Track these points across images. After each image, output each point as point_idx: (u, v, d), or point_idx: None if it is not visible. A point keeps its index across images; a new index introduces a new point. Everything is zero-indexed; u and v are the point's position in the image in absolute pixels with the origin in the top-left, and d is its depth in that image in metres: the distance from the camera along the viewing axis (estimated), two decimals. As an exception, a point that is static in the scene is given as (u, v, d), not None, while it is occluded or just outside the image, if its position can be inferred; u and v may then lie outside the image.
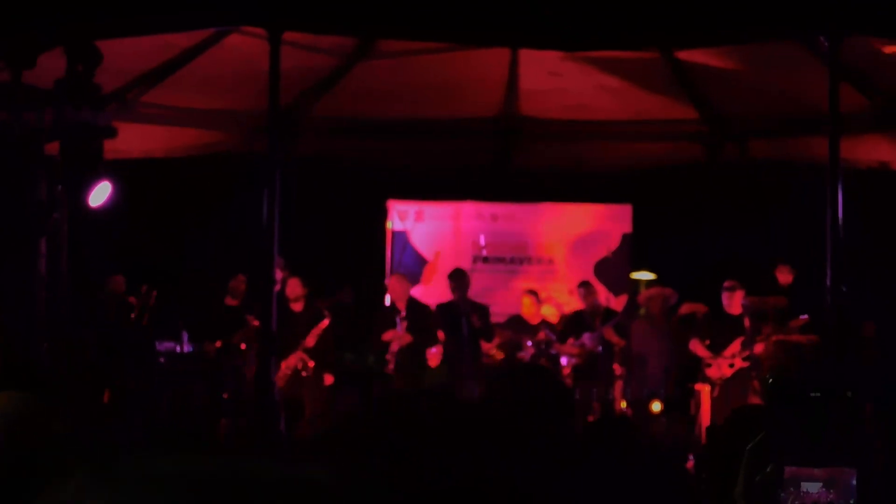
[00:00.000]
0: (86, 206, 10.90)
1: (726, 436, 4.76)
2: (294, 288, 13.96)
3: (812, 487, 3.20)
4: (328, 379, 13.83)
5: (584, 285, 15.17)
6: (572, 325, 14.90)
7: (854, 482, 3.20)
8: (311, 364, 13.74)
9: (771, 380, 3.26)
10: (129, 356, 12.38)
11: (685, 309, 14.67)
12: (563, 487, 3.90)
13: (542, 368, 9.75)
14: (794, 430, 3.17)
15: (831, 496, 3.16)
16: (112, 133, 11.10)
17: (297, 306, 13.98)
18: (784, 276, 14.04)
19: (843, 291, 10.81)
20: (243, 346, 13.55)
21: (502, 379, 4.87)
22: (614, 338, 14.68)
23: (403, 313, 14.11)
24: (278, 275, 12.21)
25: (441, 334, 14.45)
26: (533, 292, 15.25)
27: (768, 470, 3.27)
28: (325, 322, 13.77)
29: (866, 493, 3.14)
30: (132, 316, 12.81)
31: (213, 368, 13.44)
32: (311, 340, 13.73)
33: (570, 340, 14.63)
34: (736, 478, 3.89)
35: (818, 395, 3.22)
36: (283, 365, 13.57)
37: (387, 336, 14.00)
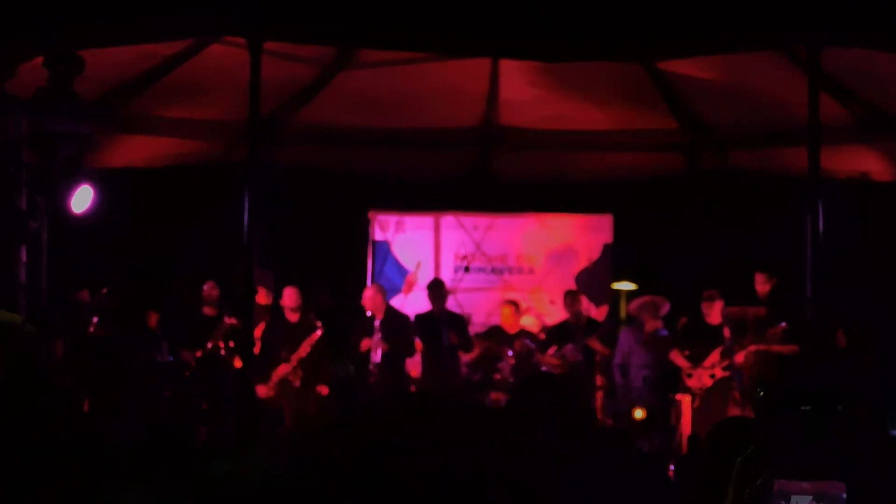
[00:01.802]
0: (67, 214, 10.87)
1: (712, 447, 4.74)
2: (291, 298, 13.92)
3: (802, 501, 3.20)
4: (323, 390, 13.78)
5: (570, 294, 15.17)
6: (555, 335, 14.88)
7: (844, 496, 3.20)
8: (301, 374, 13.69)
9: (762, 392, 3.26)
10: (110, 365, 12.35)
11: (650, 326, 14.65)
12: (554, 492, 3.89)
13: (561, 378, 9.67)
14: (784, 443, 3.18)
15: (821, 510, 3.16)
16: (93, 142, 11.08)
17: (293, 316, 13.94)
18: (761, 285, 14.02)
19: (822, 301, 10.84)
20: (223, 352, 13.54)
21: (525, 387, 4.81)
22: (599, 347, 14.68)
23: (378, 323, 14.03)
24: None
25: (419, 344, 14.43)
26: (513, 302, 15.25)
27: (757, 483, 3.27)
28: (318, 333, 13.73)
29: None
30: (96, 321, 12.80)
31: (193, 377, 13.42)
32: (303, 351, 13.69)
33: (552, 350, 14.62)
34: (722, 489, 3.89)
35: (809, 407, 3.23)
36: (274, 374, 13.57)
37: (364, 345, 13.94)
